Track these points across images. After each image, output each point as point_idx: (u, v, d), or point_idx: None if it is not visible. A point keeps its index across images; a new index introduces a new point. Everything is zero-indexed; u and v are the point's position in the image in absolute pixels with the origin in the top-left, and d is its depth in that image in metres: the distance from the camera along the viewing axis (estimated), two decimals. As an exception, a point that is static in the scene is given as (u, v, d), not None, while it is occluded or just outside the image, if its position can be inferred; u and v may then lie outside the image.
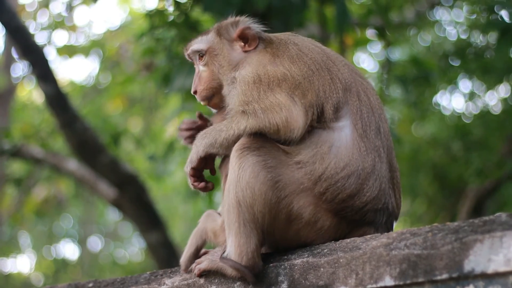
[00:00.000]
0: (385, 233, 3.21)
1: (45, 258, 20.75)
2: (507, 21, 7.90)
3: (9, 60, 14.19)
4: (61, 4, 12.71)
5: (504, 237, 2.74)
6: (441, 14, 12.11)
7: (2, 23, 8.36)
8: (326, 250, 3.24)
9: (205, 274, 3.46)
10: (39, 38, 12.47)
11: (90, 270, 19.09)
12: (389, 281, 2.97)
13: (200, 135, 3.50)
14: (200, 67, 3.74)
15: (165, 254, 9.34)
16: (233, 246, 3.29)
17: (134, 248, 21.92)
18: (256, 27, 3.66)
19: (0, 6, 8.14)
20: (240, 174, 3.29)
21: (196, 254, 3.68)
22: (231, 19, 3.74)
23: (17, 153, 10.25)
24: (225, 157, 3.55)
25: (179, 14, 7.20)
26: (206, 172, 3.61)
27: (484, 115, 12.33)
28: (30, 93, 16.10)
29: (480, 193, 11.29)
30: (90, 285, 3.93)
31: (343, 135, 3.39)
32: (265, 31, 3.69)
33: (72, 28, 13.95)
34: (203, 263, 3.45)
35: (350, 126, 3.41)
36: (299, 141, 3.38)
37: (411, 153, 12.04)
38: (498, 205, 12.30)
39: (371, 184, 3.37)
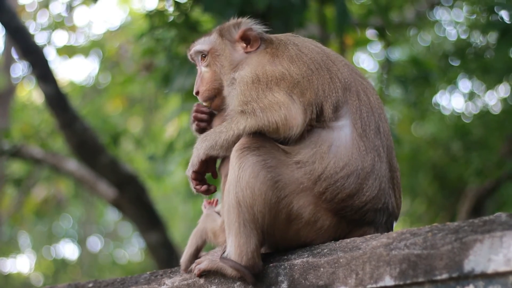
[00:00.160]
0: (385, 233, 3.21)
1: (45, 258, 20.75)
2: (507, 22, 7.92)
3: (9, 61, 14.18)
4: (61, 4, 12.71)
5: (504, 237, 2.74)
6: (441, 14, 12.12)
7: (2, 24, 8.36)
8: (326, 250, 3.24)
9: (205, 274, 3.46)
10: (39, 39, 12.48)
11: (89, 270, 19.10)
12: (389, 281, 2.97)
13: (201, 138, 3.51)
14: (202, 68, 3.75)
15: (165, 254, 9.34)
16: (233, 246, 3.30)
17: (133, 248, 21.92)
18: (258, 28, 3.68)
19: (0, 7, 8.14)
20: (240, 174, 3.29)
21: (196, 254, 3.69)
22: (233, 21, 3.76)
23: (17, 153, 10.25)
24: (225, 157, 3.56)
25: (179, 15, 7.21)
26: (208, 175, 3.61)
27: (484, 115, 12.34)
28: (30, 93, 16.10)
29: (480, 193, 11.30)
30: (90, 285, 3.94)
31: (342, 135, 3.39)
32: (266, 32, 3.70)
33: (72, 29, 13.96)
34: (203, 263, 3.45)
35: (349, 125, 3.41)
36: (298, 141, 3.39)
37: (410, 153, 12.05)
38: (498, 205, 12.31)
39: (371, 183, 3.37)
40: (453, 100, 16.07)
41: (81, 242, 20.49)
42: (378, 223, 3.42)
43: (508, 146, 11.22)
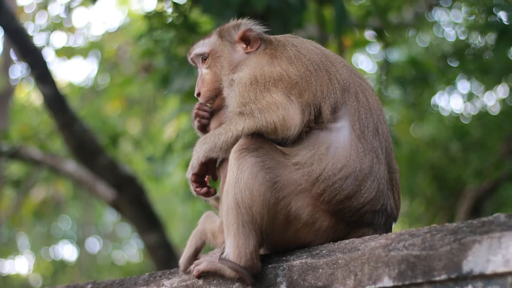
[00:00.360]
0: (384, 234, 3.21)
1: (44, 259, 20.73)
2: (506, 22, 7.93)
3: (7, 62, 14.19)
4: (59, 5, 12.72)
5: (502, 238, 2.74)
6: (439, 15, 12.13)
7: (1, 25, 8.35)
8: (324, 251, 3.24)
9: (204, 275, 3.46)
10: (38, 40, 12.50)
11: (88, 271, 19.09)
12: (387, 282, 2.97)
13: (200, 141, 3.52)
14: (203, 70, 3.77)
15: (163, 255, 9.34)
16: (231, 247, 3.30)
17: (132, 249, 21.92)
18: (257, 29, 3.69)
19: (-2, 8, 8.14)
20: (238, 175, 3.30)
21: (195, 255, 3.69)
22: (232, 22, 3.77)
23: (15, 155, 10.24)
24: (223, 159, 3.56)
25: (178, 16, 7.21)
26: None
27: (483, 115, 12.35)
28: (29, 94, 16.10)
29: (479, 194, 11.30)
30: (89, 286, 3.94)
31: (340, 136, 3.39)
32: (265, 32, 3.71)
33: (71, 30, 13.97)
34: (202, 264, 3.45)
35: (348, 127, 3.41)
36: (297, 142, 3.39)
37: (409, 153, 12.05)
38: (497, 206, 12.31)
39: (369, 185, 3.37)
40: (452, 101, 16.11)
41: (79, 243, 20.48)
42: (376, 225, 3.42)
43: (506, 146, 11.22)
